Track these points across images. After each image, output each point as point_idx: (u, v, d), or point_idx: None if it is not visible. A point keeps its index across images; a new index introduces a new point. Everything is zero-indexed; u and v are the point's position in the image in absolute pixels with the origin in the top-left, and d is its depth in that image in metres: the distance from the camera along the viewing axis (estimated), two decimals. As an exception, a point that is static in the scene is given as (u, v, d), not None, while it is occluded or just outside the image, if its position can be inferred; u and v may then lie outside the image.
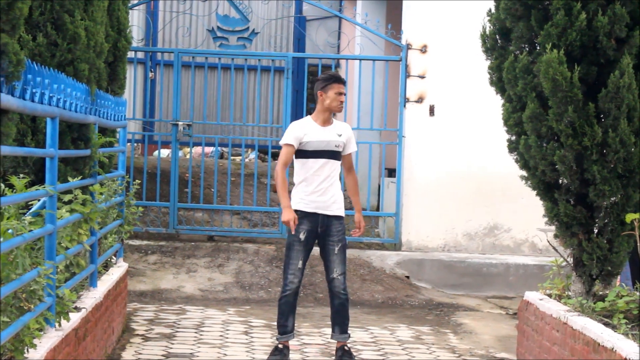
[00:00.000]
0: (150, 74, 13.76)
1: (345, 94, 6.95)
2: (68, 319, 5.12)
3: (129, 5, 8.39)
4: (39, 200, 5.18)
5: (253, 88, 13.69)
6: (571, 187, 6.50)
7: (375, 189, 12.63)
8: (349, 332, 6.93)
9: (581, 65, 6.30)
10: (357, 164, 11.26)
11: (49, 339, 4.75)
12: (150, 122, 12.63)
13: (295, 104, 13.03)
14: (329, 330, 7.16)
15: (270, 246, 10.71)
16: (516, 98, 6.66)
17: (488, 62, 6.98)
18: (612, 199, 6.38)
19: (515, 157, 6.88)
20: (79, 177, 6.10)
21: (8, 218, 4.53)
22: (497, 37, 6.88)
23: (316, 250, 6.95)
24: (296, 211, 6.73)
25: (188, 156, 12.40)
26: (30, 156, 6.17)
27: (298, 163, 6.79)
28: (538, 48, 6.49)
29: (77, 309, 5.55)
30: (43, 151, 5.13)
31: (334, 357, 6.97)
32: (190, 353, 7.05)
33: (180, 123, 11.02)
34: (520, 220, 10.82)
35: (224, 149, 14.91)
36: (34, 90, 4.60)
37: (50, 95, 4.92)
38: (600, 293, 6.56)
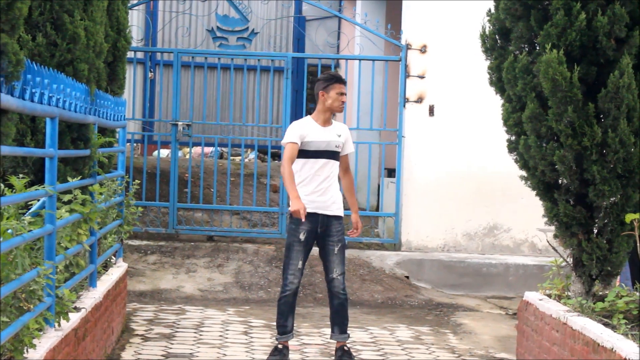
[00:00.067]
0: (150, 74, 13.77)
1: (345, 94, 6.95)
2: (67, 319, 5.12)
3: (129, 5, 8.38)
4: (38, 200, 5.18)
5: (252, 88, 13.70)
6: (571, 187, 6.50)
7: (374, 189, 12.64)
8: (348, 332, 6.93)
9: (581, 65, 6.30)
10: (357, 164, 11.27)
11: (49, 339, 4.75)
12: (150, 122, 12.64)
13: (295, 104, 13.02)
14: (328, 331, 7.16)
15: (270, 246, 10.71)
16: (516, 98, 6.66)
17: (488, 62, 6.98)
18: (611, 199, 6.38)
19: (515, 157, 6.88)
20: (79, 177, 6.09)
21: (7, 218, 4.53)
22: (497, 37, 6.88)
23: (315, 250, 6.95)
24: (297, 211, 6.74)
25: (187, 156, 12.40)
26: (29, 156, 6.17)
27: (298, 163, 6.79)
28: (538, 48, 6.49)
29: (77, 309, 5.55)
30: (42, 151, 5.13)
31: (333, 357, 6.97)
32: (190, 353, 7.05)
33: (179, 123, 11.02)
34: (519, 221, 10.82)
35: (223, 149, 14.92)
36: (33, 90, 4.60)
37: (50, 95, 4.92)
38: (600, 293, 6.56)
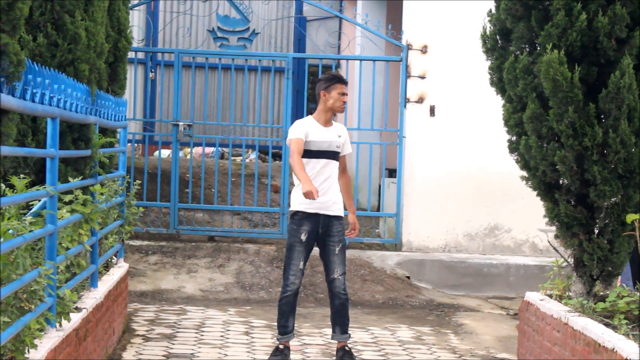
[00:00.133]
0: (151, 75, 13.77)
1: (347, 94, 6.95)
2: (69, 319, 5.12)
3: (130, 5, 8.39)
4: (39, 200, 5.18)
5: (253, 88, 13.70)
6: (572, 187, 6.50)
7: (375, 190, 12.64)
8: (349, 332, 6.93)
9: (581, 65, 6.30)
10: (358, 164, 11.28)
11: (50, 339, 4.75)
12: (151, 122, 12.64)
13: (296, 105, 13.03)
14: (329, 331, 7.16)
15: (271, 246, 10.71)
16: (517, 98, 6.66)
17: (488, 63, 6.98)
18: (612, 199, 6.38)
19: (515, 158, 6.88)
20: (80, 178, 6.10)
21: (9, 218, 4.53)
22: (498, 37, 6.88)
23: (316, 250, 6.96)
24: (297, 212, 6.74)
25: (189, 156, 12.40)
26: (30, 156, 6.17)
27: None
28: (538, 48, 6.49)
29: (78, 309, 5.55)
30: (44, 151, 5.13)
31: (334, 358, 6.97)
32: (191, 353, 7.05)
33: (180, 123, 11.02)
34: (520, 221, 10.83)
35: (224, 149, 14.91)
36: (34, 91, 4.60)
37: (51, 95, 4.92)
38: (601, 293, 6.56)
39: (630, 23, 6.28)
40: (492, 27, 6.90)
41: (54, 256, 5.00)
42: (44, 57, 6.16)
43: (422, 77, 10.91)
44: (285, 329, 6.79)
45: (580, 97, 6.21)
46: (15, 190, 4.85)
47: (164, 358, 6.89)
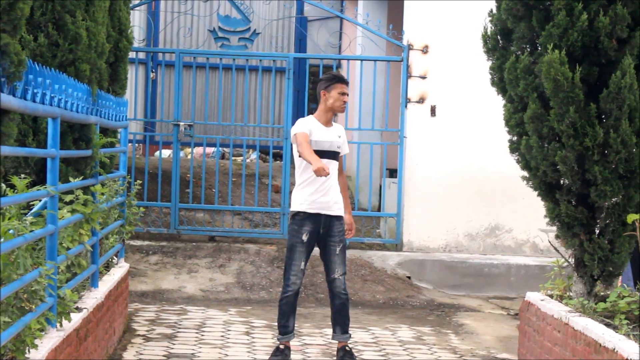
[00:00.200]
0: (152, 75, 13.76)
1: (347, 94, 6.95)
2: (69, 319, 5.12)
3: (130, 5, 8.39)
4: (40, 200, 5.18)
5: (254, 88, 13.70)
6: (572, 187, 6.49)
7: (376, 190, 12.64)
8: (350, 332, 6.93)
9: (582, 65, 6.30)
10: (359, 164, 11.29)
11: (50, 339, 4.75)
12: (152, 122, 12.64)
13: (297, 105, 13.04)
14: (330, 331, 7.15)
15: (272, 246, 10.71)
16: (517, 98, 6.66)
17: (489, 63, 6.98)
18: (613, 199, 6.37)
19: (516, 158, 6.88)
20: (80, 178, 6.10)
21: (9, 218, 4.53)
22: (499, 37, 6.88)
23: (316, 250, 6.95)
24: (299, 213, 6.74)
25: (189, 156, 12.40)
26: (31, 156, 6.17)
27: (301, 163, 6.77)
28: (539, 48, 6.49)
29: (79, 309, 5.55)
30: (44, 151, 5.13)
31: (335, 358, 6.97)
32: (192, 353, 7.05)
33: (181, 123, 11.02)
34: (521, 221, 10.83)
35: (225, 149, 14.92)
36: (35, 91, 4.60)
37: (52, 95, 4.92)
38: (602, 294, 6.56)
39: (631, 23, 6.28)
40: (493, 27, 6.90)
41: (55, 256, 5.00)
42: (45, 57, 6.16)
43: (423, 77, 10.91)
44: (285, 329, 6.79)
45: (581, 97, 6.21)
46: (16, 190, 4.85)
47: (165, 358, 6.89)
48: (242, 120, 12.64)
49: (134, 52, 10.35)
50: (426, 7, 10.93)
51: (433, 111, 10.93)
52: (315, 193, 6.73)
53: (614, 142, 6.19)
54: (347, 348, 6.86)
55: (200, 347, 7.27)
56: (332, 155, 6.81)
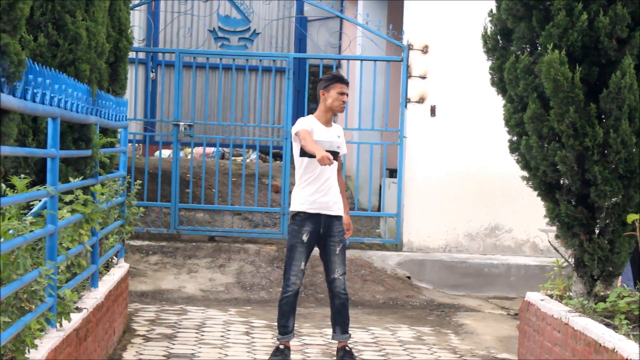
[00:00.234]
0: (152, 75, 13.76)
1: (347, 94, 6.95)
2: (69, 320, 5.12)
3: (130, 5, 8.39)
4: (40, 200, 5.18)
5: (254, 88, 13.70)
6: (572, 187, 6.49)
7: (376, 190, 12.64)
8: (349, 332, 6.93)
9: (582, 65, 6.30)
10: (359, 164, 11.28)
11: (50, 339, 4.75)
12: (152, 122, 12.64)
13: (297, 105, 13.03)
14: (330, 331, 7.15)
15: (272, 246, 10.71)
16: (517, 98, 6.66)
17: (489, 63, 6.98)
18: (613, 199, 6.37)
19: (516, 158, 6.88)
20: (80, 178, 6.10)
21: (9, 218, 4.53)
22: (499, 37, 6.88)
23: (316, 250, 6.95)
24: (299, 213, 6.74)
25: (189, 156, 12.40)
26: (31, 156, 6.17)
27: (301, 163, 6.77)
28: (539, 48, 6.49)
29: (78, 310, 5.55)
30: (44, 151, 5.13)
31: (335, 358, 6.97)
32: (192, 353, 7.05)
33: (181, 123, 11.02)
34: (521, 221, 10.83)
35: (225, 149, 14.92)
36: (35, 91, 4.60)
37: (52, 95, 4.92)
38: (602, 294, 6.56)
39: (631, 23, 6.28)
40: (493, 27, 6.90)
41: (55, 256, 5.00)
42: (45, 57, 6.16)
43: (423, 77, 10.91)
44: (285, 329, 6.79)
45: (581, 97, 6.21)
46: (15, 190, 4.85)
47: (165, 358, 6.89)
48: (242, 120, 12.64)
49: (134, 52, 10.35)
50: (426, 7, 10.93)
51: (433, 111, 10.93)
52: (315, 193, 6.73)
53: (614, 142, 6.19)
54: (347, 348, 6.87)
55: (200, 347, 7.27)
56: (332, 155, 6.80)
